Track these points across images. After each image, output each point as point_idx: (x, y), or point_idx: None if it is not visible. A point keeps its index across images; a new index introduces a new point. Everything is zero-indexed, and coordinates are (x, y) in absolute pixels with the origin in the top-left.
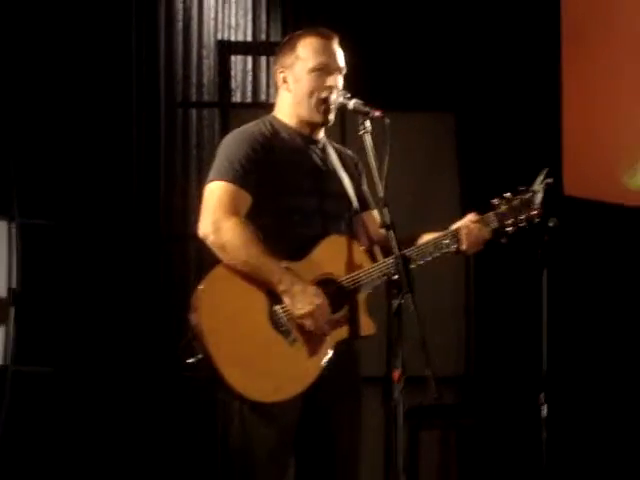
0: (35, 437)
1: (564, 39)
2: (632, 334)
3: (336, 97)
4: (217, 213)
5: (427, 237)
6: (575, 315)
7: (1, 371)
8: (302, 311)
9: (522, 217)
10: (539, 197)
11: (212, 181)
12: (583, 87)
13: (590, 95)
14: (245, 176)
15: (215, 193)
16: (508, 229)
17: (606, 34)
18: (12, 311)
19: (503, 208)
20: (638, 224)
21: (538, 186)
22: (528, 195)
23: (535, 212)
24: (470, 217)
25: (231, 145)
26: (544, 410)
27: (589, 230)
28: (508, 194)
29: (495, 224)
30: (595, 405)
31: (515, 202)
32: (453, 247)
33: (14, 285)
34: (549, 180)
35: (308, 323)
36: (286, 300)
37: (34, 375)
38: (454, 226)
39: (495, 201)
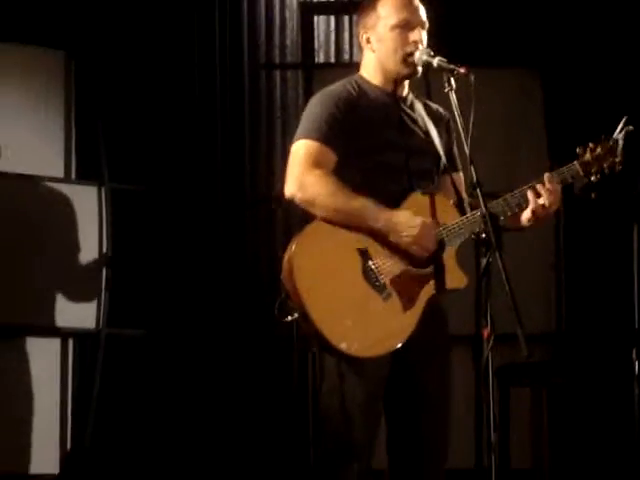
0: (129, 400)
1: None
2: None
3: (420, 55)
4: (300, 170)
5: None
6: None
7: (95, 334)
8: (409, 237)
9: (605, 165)
10: (621, 144)
11: (297, 140)
12: None
13: None
14: (330, 134)
15: (299, 152)
16: (592, 177)
17: None
18: (105, 275)
19: (587, 157)
20: None
21: (618, 134)
22: (610, 143)
23: (618, 159)
24: (546, 175)
25: (317, 105)
26: (637, 366)
27: None
28: (590, 143)
29: (571, 176)
30: None
31: (598, 150)
32: (539, 200)
33: (106, 250)
34: (629, 128)
35: (417, 248)
36: (391, 236)
37: (128, 338)
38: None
39: (579, 150)
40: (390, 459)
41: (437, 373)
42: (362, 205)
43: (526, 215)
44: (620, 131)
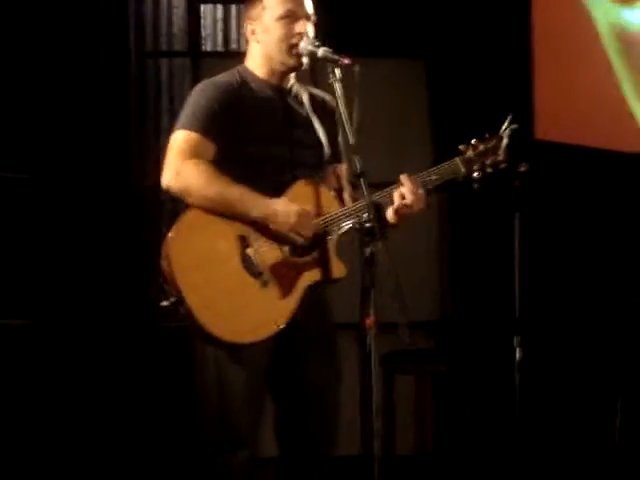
0: (11, 390)
1: None
2: (604, 276)
3: (305, 45)
4: (177, 160)
5: None
6: (548, 259)
7: None
8: (285, 225)
9: (488, 162)
10: (504, 143)
11: (176, 131)
12: (555, 29)
13: (562, 37)
14: (209, 125)
15: (177, 142)
16: (475, 174)
17: None
18: None
19: (469, 154)
20: (610, 167)
21: (503, 132)
22: (494, 141)
23: (501, 157)
24: (402, 177)
25: (197, 95)
26: (518, 353)
27: (561, 174)
28: (474, 140)
29: (453, 172)
30: (568, 348)
31: (480, 147)
32: (403, 201)
33: None
34: (514, 126)
35: (294, 235)
36: (271, 223)
37: (11, 328)
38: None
39: (461, 147)
40: (279, 446)
41: (323, 361)
42: (239, 193)
43: (389, 214)
44: (505, 129)
